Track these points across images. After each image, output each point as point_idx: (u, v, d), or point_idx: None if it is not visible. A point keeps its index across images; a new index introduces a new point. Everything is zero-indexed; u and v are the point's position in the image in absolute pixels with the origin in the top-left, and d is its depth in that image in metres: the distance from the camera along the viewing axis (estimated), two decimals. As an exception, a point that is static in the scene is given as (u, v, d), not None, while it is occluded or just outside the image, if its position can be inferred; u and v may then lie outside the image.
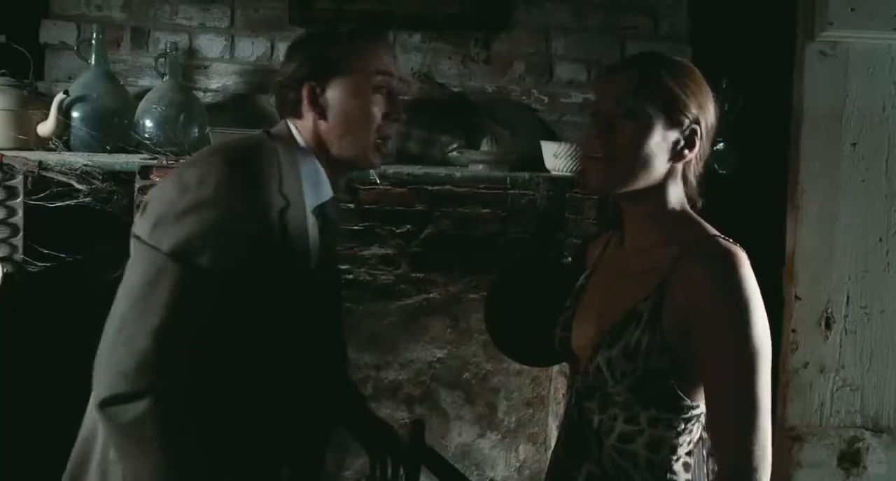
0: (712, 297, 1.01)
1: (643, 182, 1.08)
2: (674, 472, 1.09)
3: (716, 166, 2.11)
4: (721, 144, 2.10)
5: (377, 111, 1.24)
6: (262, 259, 1.12)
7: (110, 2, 2.21)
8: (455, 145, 2.23)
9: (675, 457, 1.09)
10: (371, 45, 1.24)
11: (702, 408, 1.09)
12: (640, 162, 1.06)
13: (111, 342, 1.04)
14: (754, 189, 2.02)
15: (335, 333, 1.44)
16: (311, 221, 1.22)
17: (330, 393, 1.40)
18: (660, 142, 1.07)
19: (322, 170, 1.24)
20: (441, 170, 2.07)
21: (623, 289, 1.11)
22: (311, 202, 1.21)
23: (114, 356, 1.03)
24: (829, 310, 1.89)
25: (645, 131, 1.06)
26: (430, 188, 2.10)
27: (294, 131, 1.25)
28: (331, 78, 1.22)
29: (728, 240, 1.06)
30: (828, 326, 1.89)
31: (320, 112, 1.22)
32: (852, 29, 1.87)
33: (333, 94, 1.22)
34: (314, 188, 1.22)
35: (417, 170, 2.06)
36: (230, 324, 1.11)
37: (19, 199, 1.87)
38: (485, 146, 2.10)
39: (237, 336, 1.13)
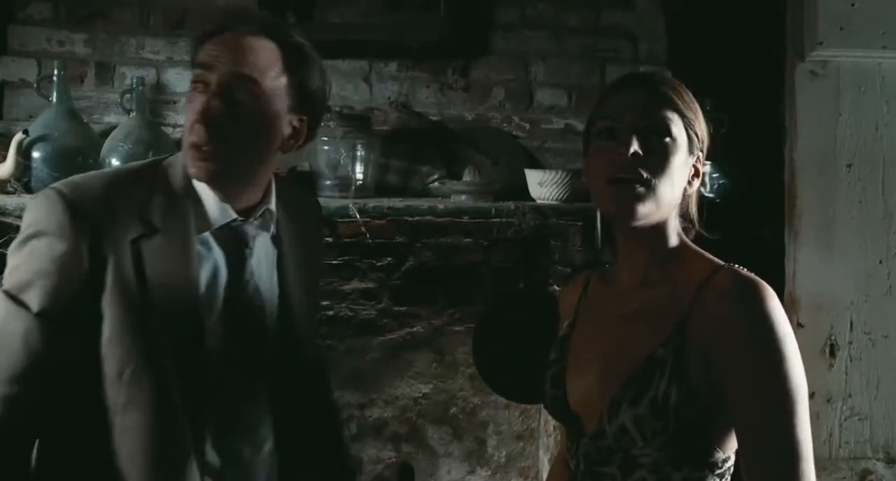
0: (742, 334, 0.91)
1: (668, 211, 0.99)
2: None
3: (702, 190, 2.08)
4: (707, 167, 2.08)
5: (189, 112, 1.08)
6: (109, 294, 1.01)
7: (73, 37, 2.14)
8: (436, 176, 2.19)
9: None
10: (200, 40, 1.10)
11: (733, 458, 0.98)
12: (672, 186, 0.97)
13: None
14: (746, 213, 1.99)
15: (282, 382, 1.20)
16: (207, 246, 1.10)
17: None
18: (682, 165, 0.99)
19: (204, 191, 1.10)
20: (423, 203, 2.01)
21: (630, 334, 1.00)
22: (199, 228, 1.09)
23: None
24: (833, 337, 1.85)
25: (673, 150, 0.97)
26: (410, 219, 2.05)
27: None
28: None
29: (745, 270, 0.97)
30: (832, 354, 1.85)
31: None
32: (842, 48, 1.85)
33: None
34: (206, 213, 1.10)
35: (398, 203, 2.00)
36: (78, 376, 1.03)
37: (-23, 246, 1.78)
38: (467, 176, 2.05)
39: (85, 394, 1.03)
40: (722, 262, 1.00)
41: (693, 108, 1.00)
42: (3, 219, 1.77)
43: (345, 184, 2.04)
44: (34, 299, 1.00)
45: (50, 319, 1.00)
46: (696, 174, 1.03)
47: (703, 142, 1.02)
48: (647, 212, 0.96)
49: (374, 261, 2.25)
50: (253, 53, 1.06)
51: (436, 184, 2.17)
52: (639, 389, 0.95)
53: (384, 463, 2.39)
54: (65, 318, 1.01)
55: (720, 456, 0.97)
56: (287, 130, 1.12)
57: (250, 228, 1.15)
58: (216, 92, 1.04)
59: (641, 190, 0.95)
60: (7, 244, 1.75)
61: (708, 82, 2.18)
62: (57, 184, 1.06)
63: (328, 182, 2.07)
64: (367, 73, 2.26)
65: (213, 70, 1.05)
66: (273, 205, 1.18)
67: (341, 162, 2.05)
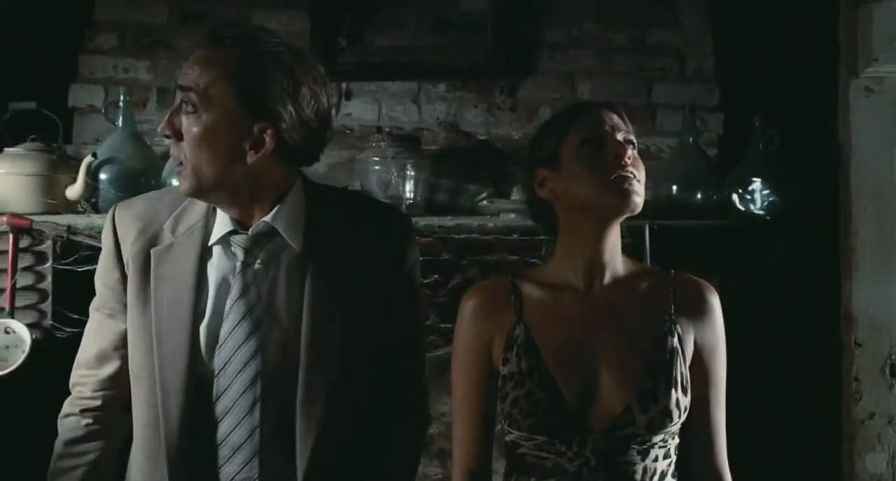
0: (713, 326, 1.16)
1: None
2: None
3: (751, 207, 2.06)
4: (757, 183, 2.05)
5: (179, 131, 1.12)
6: (138, 305, 1.15)
7: (136, 64, 2.24)
8: (484, 194, 2.20)
9: (676, 472, 1.16)
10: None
11: None
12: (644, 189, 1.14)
13: None
14: (798, 230, 1.95)
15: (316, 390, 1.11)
16: (222, 262, 1.13)
17: None
18: None
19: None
20: (473, 221, 2.04)
21: (629, 330, 1.12)
22: (212, 238, 1.14)
23: None
24: (893, 357, 1.80)
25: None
26: (456, 237, 2.07)
27: None
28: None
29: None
30: (893, 374, 1.80)
31: None
32: (898, 64, 1.83)
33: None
34: (219, 224, 1.15)
35: (448, 221, 2.02)
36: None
37: (48, 264, 1.86)
38: (515, 194, 2.07)
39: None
40: (659, 269, 1.22)
41: None
42: (73, 237, 1.85)
43: (396, 203, 2.08)
44: (96, 298, 1.22)
45: (105, 315, 1.21)
46: None
47: None
48: (640, 202, 1.12)
49: (421, 279, 2.25)
50: (200, 65, 1.07)
51: (484, 202, 2.19)
52: (668, 374, 1.10)
53: (431, 479, 2.38)
54: (113, 314, 1.19)
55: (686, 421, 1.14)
56: (246, 140, 1.08)
57: (253, 241, 1.13)
58: (174, 109, 1.10)
59: (637, 183, 1.11)
60: (78, 261, 1.84)
61: (758, 99, 2.18)
62: (119, 203, 1.24)
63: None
64: (417, 94, 2.30)
65: (178, 89, 1.10)
66: (278, 220, 1.13)
67: (392, 181, 2.08)
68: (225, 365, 1.11)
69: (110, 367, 1.20)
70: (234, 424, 1.10)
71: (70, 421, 1.22)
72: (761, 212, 2.05)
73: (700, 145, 2.15)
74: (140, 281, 1.14)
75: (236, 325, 1.11)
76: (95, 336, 1.22)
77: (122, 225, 1.18)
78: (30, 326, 1.83)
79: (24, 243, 1.86)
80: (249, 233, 1.13)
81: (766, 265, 2.01)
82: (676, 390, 1.09)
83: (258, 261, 1.13)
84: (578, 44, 2.31)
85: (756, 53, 2.22)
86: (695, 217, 2.03)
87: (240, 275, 1.12)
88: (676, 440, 1.13)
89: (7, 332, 1.81)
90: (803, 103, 2.09)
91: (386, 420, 1.21)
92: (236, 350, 1.10)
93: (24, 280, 1.86)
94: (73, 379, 1.24)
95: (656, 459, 1.10)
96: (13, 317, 1.83)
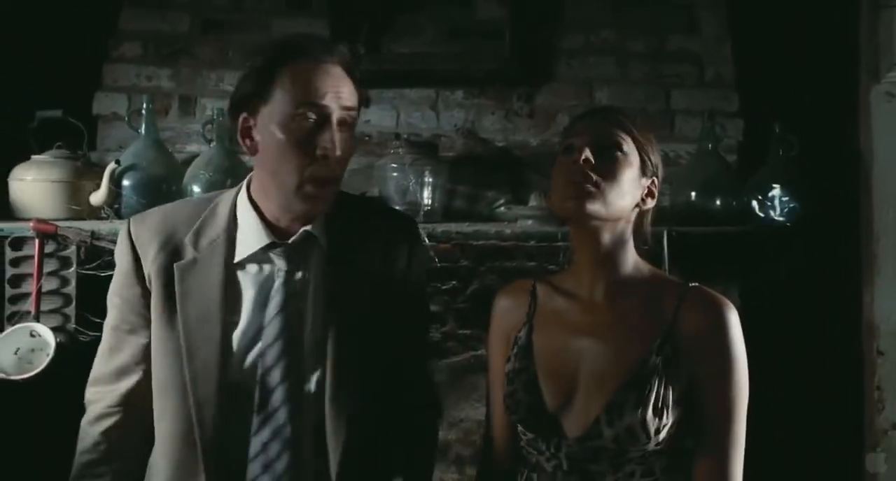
0: (722, 345, 1.08)
1: (616, 215, 1.11)
2: None
3: (771, 213, 2.04)
4: (776, 190, 2.04)
5: (301, 148, 1.07)
6: (163, 319, 1.14)
7: (159, 72, 2.28)
8: (502, 201, 2.21)
9: None
10: (292, 66, 1.08)
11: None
12: (620, 193, 1.10)
13: None
14: (818, 237, 1.93)
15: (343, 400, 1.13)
16: (246, 270, 1.13)
17: None
18: (634, 181, 1.12)
19: (254, 215, 1.14)
20: (491, 227, 2.04)
21: (615, 343, 1.10)
22: (243, 250, 1.13)
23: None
24: (916, 366, 1.77)
25: (625, 164, 1.11)
26: (475, 243, 2.07)
27: (243, 192, 1.19)
28: (259, 107, 1.09)
29: (710, 289, 1.13)
30: (915, 383, 1.77)
31: (252, 147, 1.12)
32: (921, 68, 1.80)
33: (260, 126, 1.10)
34: (247, 236, 1.14)
35: (466, 227, 2.03)
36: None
37: (72, 269, 1.89)
38: (533, 201, 2.07)
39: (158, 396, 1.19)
40: (681, 280, 1.15)
41: (646, 137, 1.15)
42: (97, 242, 1.88)
43: (413, 209, 2.09)
44: (112, 315, 1.22)
45: (124, 331, 1.20)
46: (651, 195, 1.16)
47: (657, 169, 1.17)
48: (595, 209, 1.09)
49: (440, 285, 2.26)
50: (347, 86, 1.12)
51: (502, 208, 2.20)
52: (640, 393, 1.06)
53: (449, 486, 2.38)
54: (133, 329, 1.19)
55: (689, 444, 1.11)
56: None
57: (295, 250, 1.14)
58: (339, 125, 1.10)
59: (591, 190, 1.08)
60: (101, 266, 1.87)
61: (778, 105, 2.16)
62: (132, 217, 1.22)
63: (397, 207, 2.12)
64: (434, 101, 2.31)
65: (328, 104, 1.08)
66: (317, 228, 1.16)
67: (410, 188, 2.09)
68: (266, 373, 1.11)
69: (129, 381, 1.19)
70: (273, 432, 1.12)
71: (89, 436, 1.21)
72: (781, 219, 2.03)
73: (719, 151, 2.14)
74: (164, 295, 1.14)
75: (279, 334, 1.12)
76: (113, 352, 1.21)
77: (141, 240, 1.16)
78: (54, 330, 1.85)
79: (49, 248, 1.89)
80: (290, 241, 1.14)
81: (786, 272, 1.99)
82: (645, 410, 1.05)
83: (298, 269, 1.15)
84: (596, 51, 2.31)
85: (775, 59, 2.20)
86: (714, 223, 2.02)
87: (283, 286, 1.14)
88: (665, 461, 1.09)
89: (32, 336, 1.84)
90: (823, 109, 2.07)
91: (405, 415, 1.24)
92: (278, 359, 1.12)
93: (49, 284, 1.89)
94: (89, 395, 1.23)
95: (632, 474, 1.09)
96: (38, 321, 1.86)
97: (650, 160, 1.14)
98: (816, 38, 2.12)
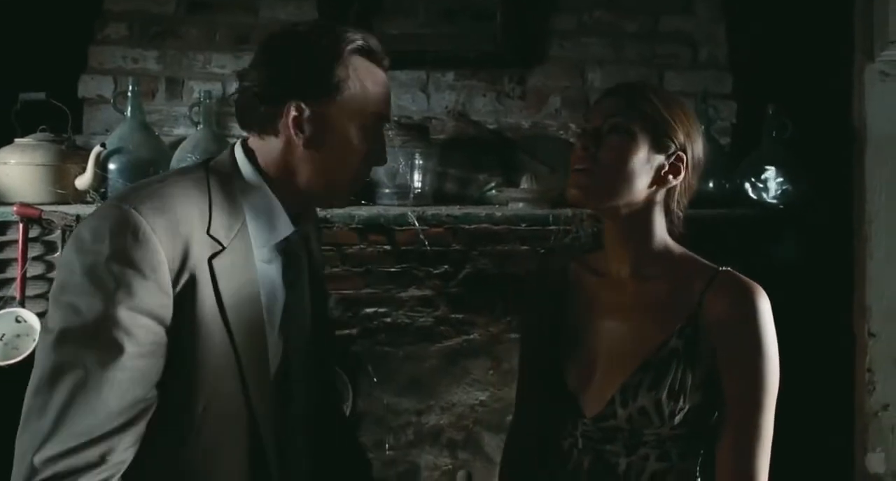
0: (743, 331, 1.04)
1: (624, 198, 1.08)
2: None
3: (764, 195, 2.04)
4: (770, 172, 2.03)
5: (370, 147, 1.06)
6: (190, 317, 0.97)
7: (145, 54, 2.25)
8: (493, 184, 2.19)
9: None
10: (374, 68, 1.06)
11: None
12: (623, 176, 1.07)
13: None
14: (812, 218, 1.92)
15: (319, 386, 1.22)
16: (267, 260, 1.08)
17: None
18: (644, 161, 1.08)
19: (276, 203, 1.07)
20: (481, 210, 2.03)
21: (639, 325, 1.09)
22: (262, 241, 1.06)
23: None
24: (908, 347, 1.78)
25: (629, 147, 1.07)
26: (466, 227, 2.06)
27: (241, 159, 1.07)
28: (323, 98, 1.03)
29: (741, 274, 1.09)
30: (908, 364, 1.77)
31: (304, 136, 1.03)
32: (916, 47, 1.77)
33: (323, 118, 1.03)
34: (267, 224, 1.07)
35: (456, 210, 2.01)
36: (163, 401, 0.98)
37: (58, 254, 1.87)
38: (524, 183, 2.05)
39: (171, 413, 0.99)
40: (713, 264, 1.11)
41: (672, 112, 1.10)
42: (82, 227, 1.86)
43: (403, 192, 2.07)
44: (125, 342, 0.96)
45: (146, 357, 0.98)
46: (674, 171, 1.11)
47: (683, 144, 1.11)
48: (593, 197, 1.08)
49: (431, 269, 2.25)
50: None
51: (493, 191, 2.18)
52: (657, 374, 1.06)
53: (441, 469, 2.39)
54: (156, 350, 0.98)
55: (709, 431, 1.08)
56: None
57: (299, 239, 1.14)
58: None
59: (587, 178, 1.07)
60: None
61: (771, 86, 2.14)
62: (132, 207, 0.97)
63: (387, 190, 2.10)
64: (425, 82, 2.29)
65: (389, 117, 1.13)
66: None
67: (400, 170, 2.08)
68: (288, 343, 1.12)
69: (139, 427, 0.96)
70: (300, 405, 1.15)
71: None
72: (774, 201, 2.03)
73: (713, 134, 2.13)
74: (203, 295, 0.99)
75: (294, 314, 1.13)
76: (131, 386, 0.94)
77: (162, 239, 0.96)
78: (40, 315, 1.84)
79: (33, 233, 1.87)
80: (304, 227, 1.15)
81: (779, 254, 1.98)
82: (660, 392, 1.05)
83: (303, 252, 1.17)
84: (589, 31, 2.29)
85: (769, 39, 2.18)
86: (707, 206, 2.01)
87: (294, 269, 1.13)
88: (683, 446, 1.08)
89: (18, 321, 1.83)
90: (817, 89, 2.06)
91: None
92: (300, 340, 1.14)
93: (34, 269, 1.88)
94: (81, 461, 0.91)
95: (646, 457, 1.08)
96: (24, 307, 1.85)
97: (670, 137, 1.09)
98: (810, 18, 2.10)
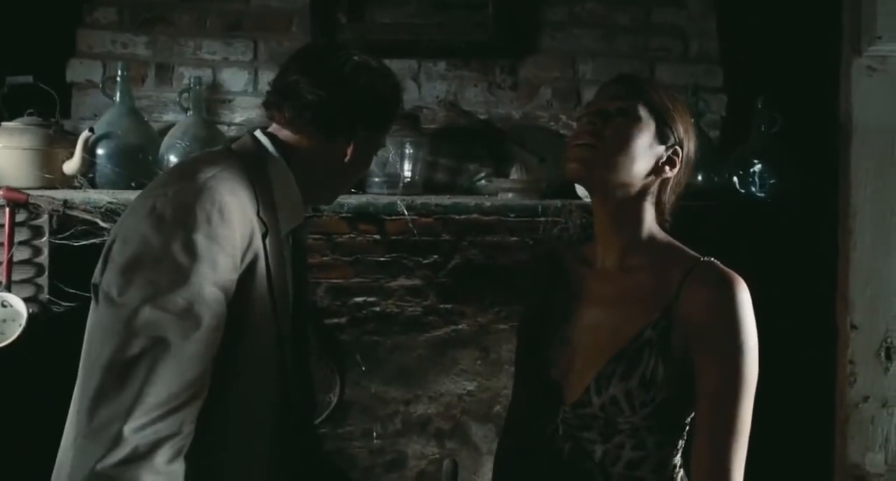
0: (719, 323, 1.03)
1: (622, 178, 1.08)
2: None
3: (753, 190, 2.05)
4: (758, 166, 2.04)
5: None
6: (248, 294, 1.05)
7: (135, 39, 2.23)
8: (483, 174, 2.20)
9: (676, 474, 1.12)
10: (390, 118, 1.25)
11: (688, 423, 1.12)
12: (626, 155, 1.07)
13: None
14: (798, 212, 1.94)
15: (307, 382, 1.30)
16: (286, 246, 1.15)
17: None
18: (647, 147, 1.09)
19: (298, 192, 1.16)
20: (471, 200, 2.03)
21: (618, 315, 1.10)
22: (285, 225, 1.13)
23: None
24: (889, 340, 1.80)
25: (635, 129, 1.08)
26: (456, 217, 2.07)
27: (270, 148, 1.14)
28: (377, 128, 1.22)
29: (722, 265, 1.08)
30: (888, 357, 1.80)
31: (351, 157, 1.20)
32: (902, 42, 1.79)
33: (367, 142, 1.22)
34: (290, 210, 1.14)
35: (446, 200, 2.02)
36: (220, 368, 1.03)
37: (45, 238, 1.86)
38: (514, 174, 2.06)
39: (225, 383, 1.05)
40: (698, 255, 1.11)
41: (672, 106, 1.12)
42: (70, 212, 1.84)
43: (393, 181, 2.07)
44: (204, 315, 1.03)
45: (213, 330, 1.02)
46: (670, 164, 1.12)
47: (681, 140, 1.12)
48: (595, 169, 1.07)
49: (421, 259, 2.26)
50: None
51: (483, 181, 2.19)
52: (629, 365, 1.06)
53: (428, 458, 2.40)
54: (220, 324, 1.03)
55: (686, 423, 1.11)
56: None
57: (301, 230, 1.23)
58: None
59: (589, 150, 1.07)
60: (75, 236, 1.84)
61: (761, 80, 2.15)
62: (212, 186, 1.02)
63: (377, 179, 2.10)
64: (416, 72, 2.29)
65: None
66: None
67: (390, 159, 2.08)
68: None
69: (208, 385, 1.01)
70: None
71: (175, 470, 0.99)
72: (762, 195, 2.04)
73: (702, 127, 2.13)
74: (261, 273, 1.06)
75: (298, 294, 1.21)
76: (205, 357, 0.99)
77: (238, 218, 1.03)
78: (26, 300, 1.83)
79: (20, 217, 1.85)
80: (310, 215, 1.30)
81: (766, 247, 2.00)
82: (630, 382, 1.05)
83: (301, 238, 1.28)
84: (580, 23, 2.29)
85: (759, 34, 2.19)
86: (695, 198, 2.01)
87: (304, 248, 1.28)
88: (659, 437, 1.09)
89: (4, 306, 1.82)
90: (806, 84, 2.07)
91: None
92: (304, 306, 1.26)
93: (21, 254, 1.87)
94: (164, 430, 0.96)
95: (622, 446, 1.09)
96: (10, 291, 1.84)
97: (671, 128, 1.11)
98: (800, 12, 2.11)
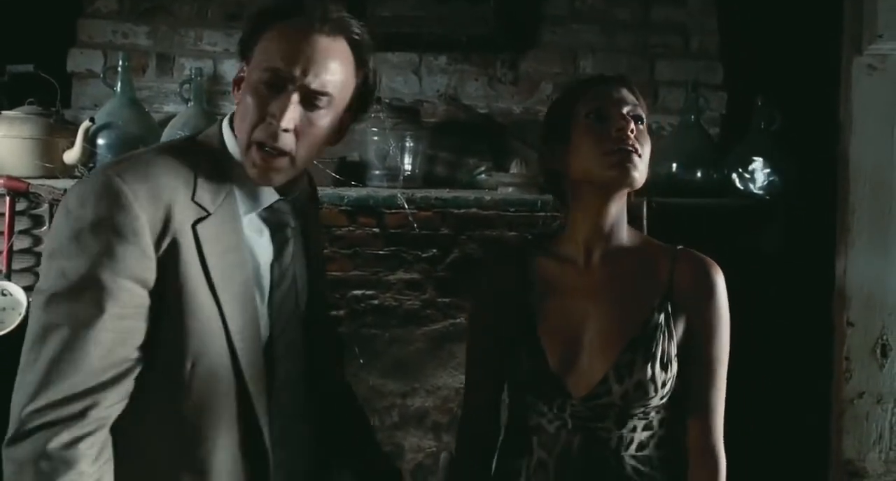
0: (713, 301, 1.15)
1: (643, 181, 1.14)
2: (677, 458, 1.17)
3: (752, 187, 2.05)
4: (758, 163, 2.04)
5: (257, 109, 1.04)
6: (174, 280, 1.01)
7: (136, 29, 2.23)
8: (483, 168, 2.20)
9: (672, 446, 1.17)
10: (279, 25, 1.05)
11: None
12: (647, 162, 1.13)
13: None
14: (797, 209, 1.94)
15: (313, 346, 1.22)
16: (258, 230, 1.11)
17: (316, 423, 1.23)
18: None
19: (246, 173, 1.08)
20: (470, 194, 2.03)
21: (620, 304, 1.14)
22: (248, 208, 1.09)
23: None
24: (885, 337, 1.81)
25: (648, 136, 1.14)
26: (455, 211, 2.07)
27: (226, 131, 1.11)
28: (248, 59, 1.07)
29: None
30: (884, 354, 1.81)
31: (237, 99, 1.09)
32: (903, 41, 1.79)
33: (244, 83, 1.08)
34: (251, 193, 1.09)
35: (446, 193, 2.02)
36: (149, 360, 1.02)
37: (45, 228, 1.87)
38: (514, 168, 2.06)
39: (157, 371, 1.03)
40: (669, 244, 1.20)
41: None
42: (69, 202, 1.84)
43: (393, 174, 2.08)
44: (107, 303, 1.00)
45: (129, 317, 1.01)
46: None
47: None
48: (640, 177, 1.11)
49: (420, 253, 2.26)
50: (334, 64, 1.05)
51: (483, 175, 2.19)
52: (647, 350, 1.12)
53: (425, 451, 2.41)
54: (139, 313, 1.02)
55: (678, 396, 1.16)
56: (342, 127, 1.14)
57: (289, 209, 1.14)
58: (299, 101, 1.04)
59: (637, 158, 1.10)
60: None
61: (761, 78, 2.16)
62: (114, 174, 1.00)
63: (377, 172, 2.10)
64: (417, 65, 2.29)
65: (295, 77, 1.03)
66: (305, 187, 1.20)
67: (390, 153, 2.08)
68: (280, 307, 1.14)
69: (127, 384, 1.01)
70: (286, 368, 1.15)
71: (76, 453, 0.97)
72: (761, 192, 2.04)
73: (702, 124, 2.14)
74: (187, 258, 1.02)
75: (290, 282, 1.16)
76: (110, 350, 0.98)
77: (144, 205, 0.99)
78: (26, 289, 1.83)
79: (20, 206, 1.86)
80: (292, 197, 1.14)
81: (765, 244, 2.01)
82: (654, 366, 1.11)
83: (296, 218, 1.17)
84: (581, 18, 2.29)
85: (760, 31, 2.19)
86: (694, 195, 2.02)
87: (292, 239, 1.15)
88: (662, 414, 1.15)
89: (4, 294, 1.82)
90: (806, 82, 2.07)
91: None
92: (288, 305, 1.16)
93: (21, 243, 1.87)
94: (46, 417, 0.96)
95: (634, 429, 1.14)
96: (10, 280, 1.84)
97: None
98: (801, 10, 2.11)
